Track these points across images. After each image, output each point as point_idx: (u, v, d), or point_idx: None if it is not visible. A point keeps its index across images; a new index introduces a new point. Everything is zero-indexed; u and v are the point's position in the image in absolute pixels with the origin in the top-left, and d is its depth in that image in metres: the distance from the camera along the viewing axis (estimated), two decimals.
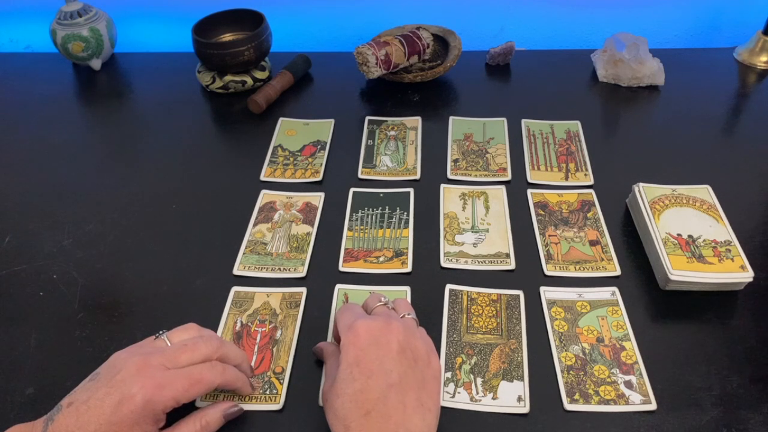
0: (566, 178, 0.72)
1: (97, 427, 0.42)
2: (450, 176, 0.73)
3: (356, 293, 0.59)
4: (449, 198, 0.70)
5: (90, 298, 0.60)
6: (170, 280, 0.61)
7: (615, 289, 0.59)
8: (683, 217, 0.62)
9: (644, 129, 0.80)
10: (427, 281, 0.60)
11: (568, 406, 0.50)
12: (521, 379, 0.52)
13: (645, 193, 0.64)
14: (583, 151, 0.76)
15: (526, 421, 0.49)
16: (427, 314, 0.56)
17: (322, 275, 0.61)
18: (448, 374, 0.52)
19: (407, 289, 0.59)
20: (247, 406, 0.50)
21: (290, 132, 0.81)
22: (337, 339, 0.51)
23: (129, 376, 0.44)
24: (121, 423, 0.42)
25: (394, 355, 0.45)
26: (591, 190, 0.70)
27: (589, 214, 0.67)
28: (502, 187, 0.71)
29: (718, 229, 0.60)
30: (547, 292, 0.59)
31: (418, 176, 0.73)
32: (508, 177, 0.72)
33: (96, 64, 0.93)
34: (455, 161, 0.75)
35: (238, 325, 0.57)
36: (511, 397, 0.51)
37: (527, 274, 0.61)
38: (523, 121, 0.81)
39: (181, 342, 0.48)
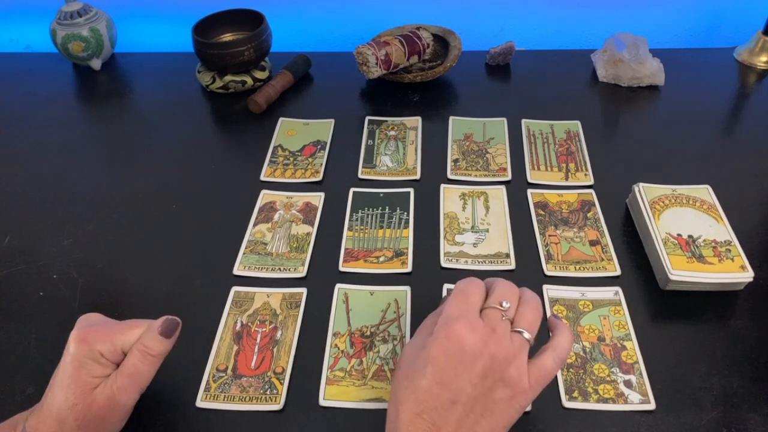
0: (566, 178, 0.72)
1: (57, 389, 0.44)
2: (450, 176, 0.73)
3: (356, 293, 0.59)
4: (449, 198, 0.70)
5: (90, 298, 0.60)
6: (170, 280, 0.61)
7: (618, 288, 0.59)
8: (683, 217, 0.62)
9: (644, 129, 0.80)
10: (427, 281, 0.60)
11: (567, 404, 0.50)
12: None
13: (645, 193, 0.64)
14: (583, 151, 0.76)
15: (528, 418, 0.49)
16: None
17: (322, 275, 0.61)
18: None
19: (407, 288, 0.59)
20: (247, 407, 0.50)
21: (290, 132, 0.81)
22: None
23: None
24: (69, 373, 0.44)
25: (474, 377, 0.41)
26: (591, 190, 0.70)
27: (589, 214, 0.67)
28: (502, 187, 0.71)
29: (718, 229, 0.60)
30: (549, 291, 0.59)
31: (418, 176, 0.73)
32: (508, 177, 0.72)
33: (96, 64, 0.93)
34: (455, 161, 0.75)
35: (239, 325, 0.57)
36: None
37: (527, 274, 0.61)
38: (523, 121, 0.81)
39: None
